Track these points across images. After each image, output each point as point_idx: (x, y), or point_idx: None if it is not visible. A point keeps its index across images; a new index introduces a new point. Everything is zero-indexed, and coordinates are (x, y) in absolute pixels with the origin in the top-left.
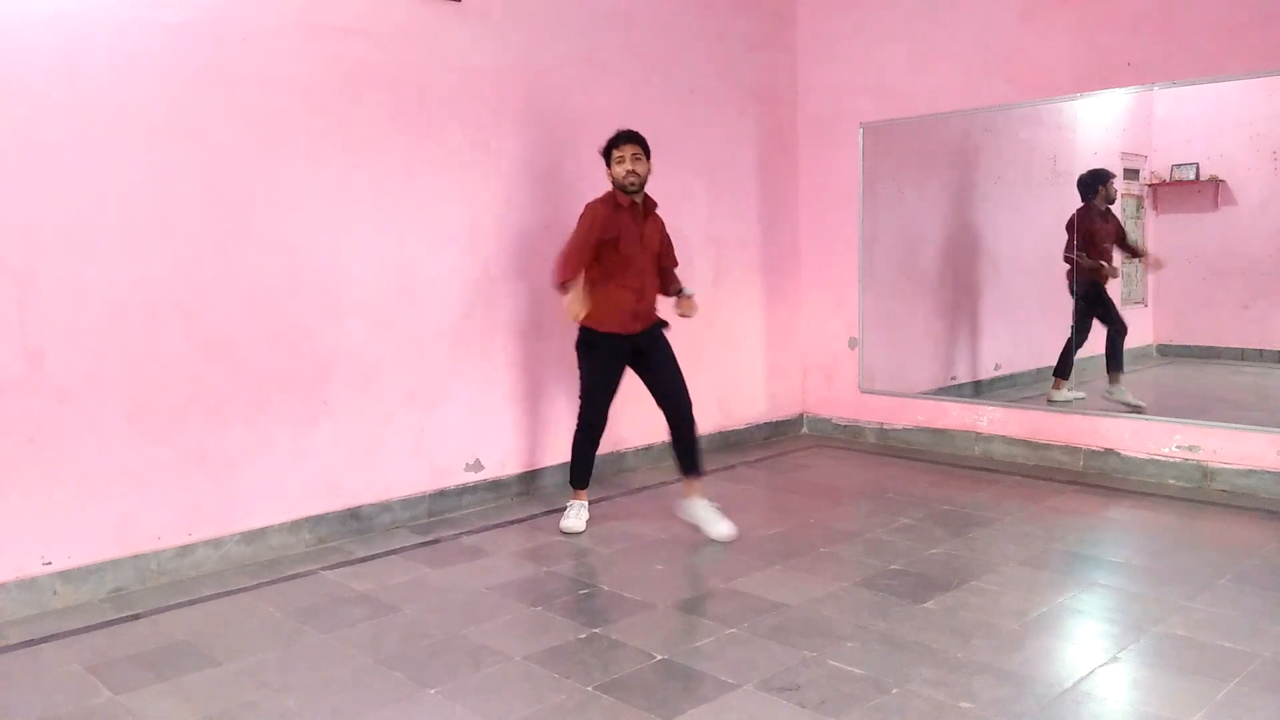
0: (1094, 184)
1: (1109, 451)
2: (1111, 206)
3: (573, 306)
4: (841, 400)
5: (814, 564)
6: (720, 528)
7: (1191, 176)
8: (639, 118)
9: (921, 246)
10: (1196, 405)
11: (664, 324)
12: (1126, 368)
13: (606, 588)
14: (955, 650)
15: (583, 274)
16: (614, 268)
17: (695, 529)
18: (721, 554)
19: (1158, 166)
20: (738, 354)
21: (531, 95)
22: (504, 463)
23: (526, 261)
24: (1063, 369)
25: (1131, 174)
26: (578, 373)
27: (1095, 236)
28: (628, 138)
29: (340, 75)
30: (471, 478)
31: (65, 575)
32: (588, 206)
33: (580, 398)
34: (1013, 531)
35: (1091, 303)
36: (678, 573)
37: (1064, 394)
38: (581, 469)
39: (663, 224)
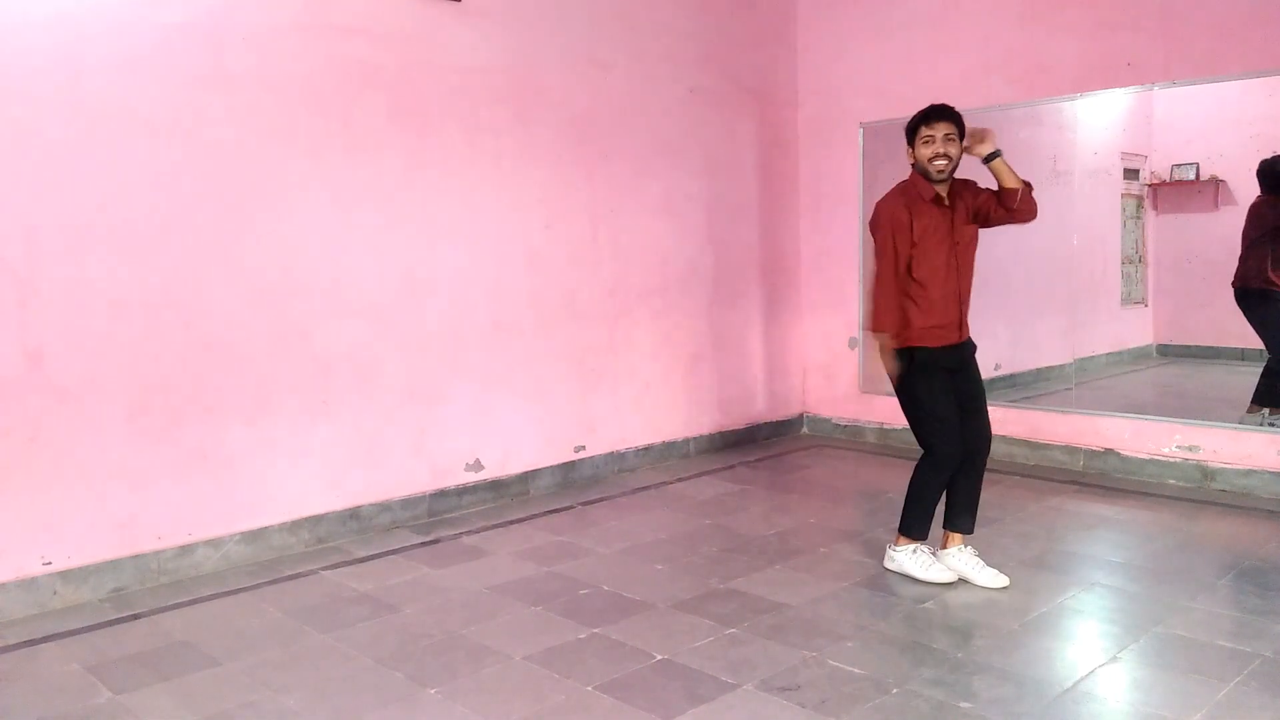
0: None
1: (1109, 451)
2: None
3: (888, 364)
4: (842, 400)
5: (814, 564)
6: (988, 576)
7: (1191, 176)
8: (639, 118)
9: None
10: (1196, 405)
11: (974, 345)
12: (1126, 367)
13: (606, 588)
14: (955, 650)
15: (893, 320)
16: (924, 274)
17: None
18: (721, 554)
19: (1158, 166)
20: (738, 353)
21: (531, 95)
22: (504, 463)
23: (526, 260)
24: (1270, 395)
25: (1131, 174)
26: (906, 404)
27: None
28: (940, 114)
29: (340, 75)
30: (471, 478)
31: (65, 575)
32: (882, 214)
33: (921, 430)
34: (1013, 531)
35: (1267, 310)
36: (678, 573)
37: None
38: (923, 514)
39: (974, 187)
